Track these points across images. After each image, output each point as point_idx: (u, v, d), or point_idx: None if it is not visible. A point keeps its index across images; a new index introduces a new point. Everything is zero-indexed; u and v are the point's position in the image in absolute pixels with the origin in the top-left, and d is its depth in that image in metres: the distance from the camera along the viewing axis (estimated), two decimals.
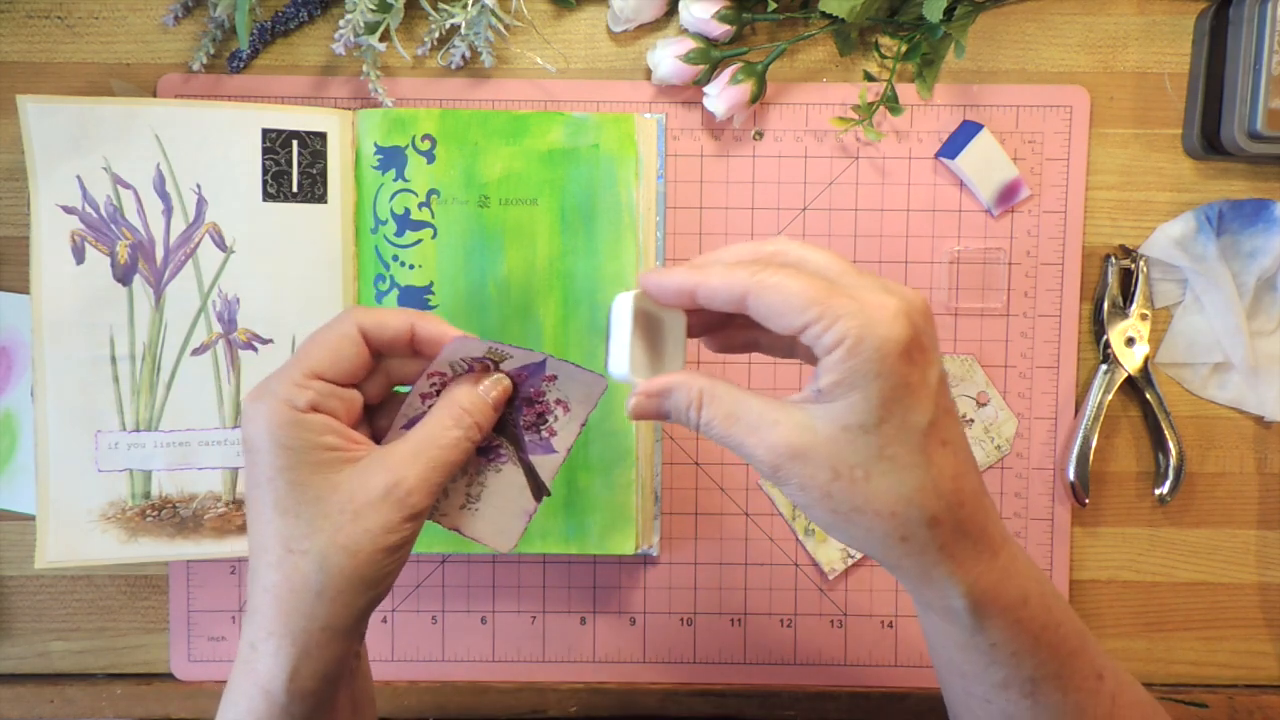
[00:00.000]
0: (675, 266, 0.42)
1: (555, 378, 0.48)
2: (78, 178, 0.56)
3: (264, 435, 0.42)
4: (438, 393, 0.47)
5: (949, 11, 0.58)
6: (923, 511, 0.38)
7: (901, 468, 0.38)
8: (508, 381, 0.46)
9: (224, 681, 0.62)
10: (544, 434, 0.49)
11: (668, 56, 0.59)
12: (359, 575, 0.42)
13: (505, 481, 0.49)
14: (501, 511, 0.49)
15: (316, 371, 0.43)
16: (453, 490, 0.48)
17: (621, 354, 0.43)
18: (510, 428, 0.49)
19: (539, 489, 0.49)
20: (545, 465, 0.49)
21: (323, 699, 0.43)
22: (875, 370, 0.37)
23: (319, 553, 0.42)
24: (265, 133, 0.58)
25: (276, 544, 0.42)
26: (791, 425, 0.39)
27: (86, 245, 0.57)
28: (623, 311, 0.43)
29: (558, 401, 0.49)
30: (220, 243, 0.58)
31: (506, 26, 0.59)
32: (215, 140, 0.57)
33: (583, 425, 0.49)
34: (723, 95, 0.58)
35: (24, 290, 0.61)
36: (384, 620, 0.63)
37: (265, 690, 0.42)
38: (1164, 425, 0.61)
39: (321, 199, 0.59)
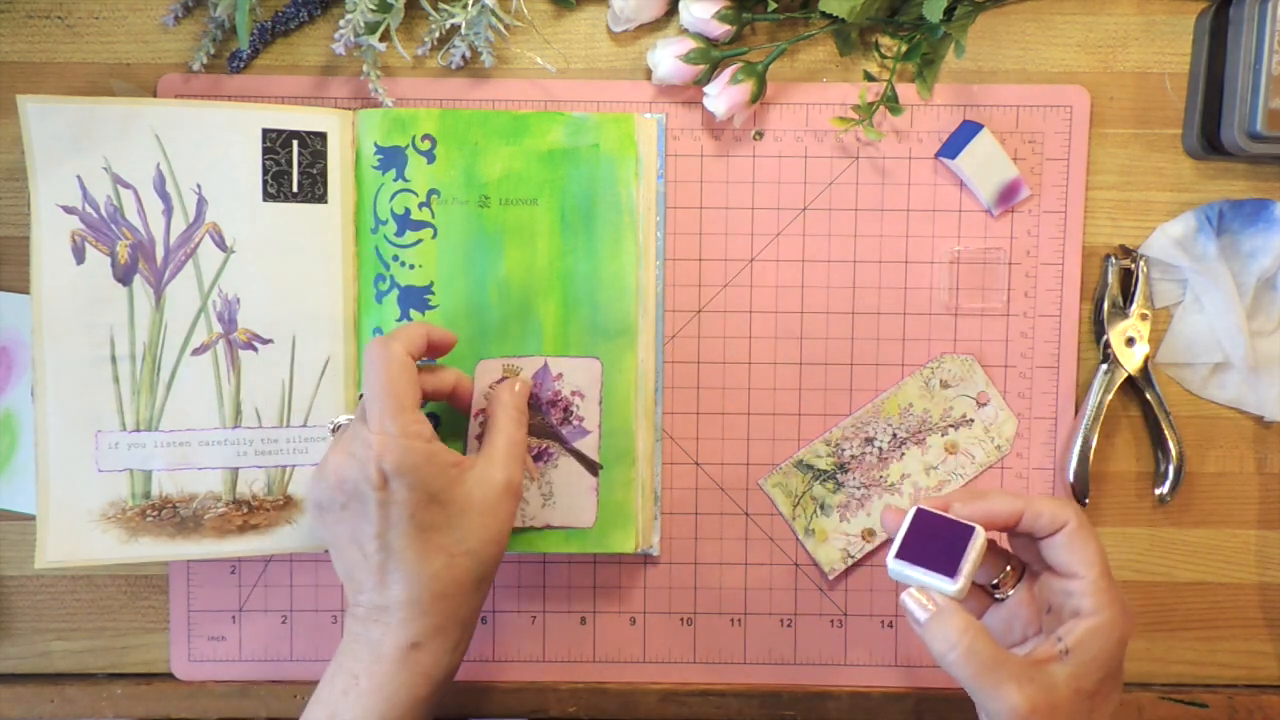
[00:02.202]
0: (998, 492, 0.51)
1: (561, 375, 0.58)
2: (78, 178, 0.56)
3: (410, 474, 0.49)
4: (485, 427, 0.57)
5: (949, 11, 0.58)
6: None
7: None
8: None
9: (224, 681, 0.62)
10: (575, 422, 0.59)
11: (668, 56, 0.59)
12: (498, 560, 0.52)
13: (565, 471, 0.59)
14: (573, 495, 0.59)
15: (413, 403, 0.51)
16: (530, 496, 0.59)
17: (963, 579, 0.49)
18: (549, 429, 0.59)
19: (592, 466, 0.59)
20: (588, 445, 0.59)
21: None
22: (1111, 653, 0.48)
23: (476, 551, 0.51)
24: (265, 133, 0.58)
25: (439, 555, 0.50)
26: (1039, 685, 0.46)
27: (86, 245, 0.57)
28: (973, 538, 0.50)
29: (573, 392, 0.59)
30: (220, 243, 0.58)
31: (506, 26, 0.59)
32: (215, 140, 0.57)
33: (600, 403, 0.59)
34: (723, 95, 0.58)
35: (24, 290, 0.61)
36: None
37: (429, 677, 0.50)
38: (1164, 425, 0.61)
39: (322, 199, 0.59)
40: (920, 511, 0.50)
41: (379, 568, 0.50)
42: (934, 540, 0.49)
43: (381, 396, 0.50)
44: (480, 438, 0.58)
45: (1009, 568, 0.53)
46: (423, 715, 0.51)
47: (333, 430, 0.57)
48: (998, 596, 0.53)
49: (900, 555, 0.49)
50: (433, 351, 0.55)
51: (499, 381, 0.57)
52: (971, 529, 0.49)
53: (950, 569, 0.48)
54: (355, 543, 0.51)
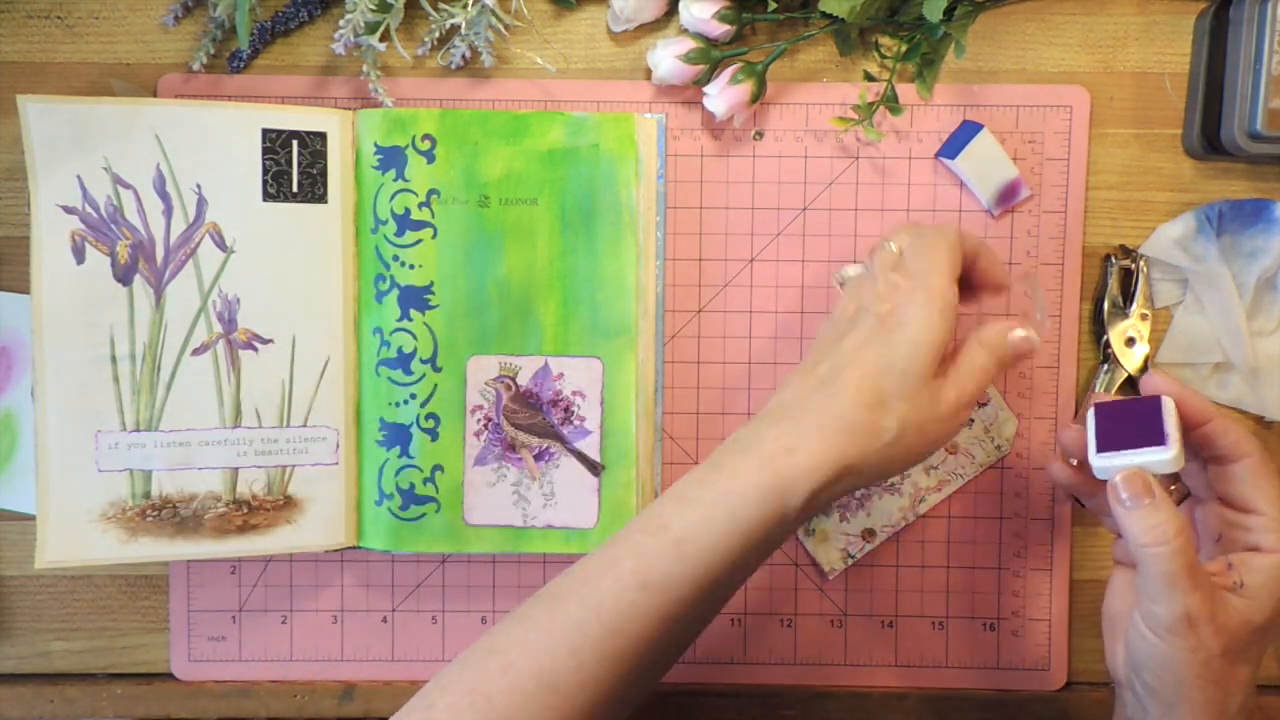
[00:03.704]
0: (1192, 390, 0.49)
1: (562, 375, 0.59)
2: (78, 178, 0.56)
3: (920, 315, 0.48)
4: (485, 426, 0.58)
5: (949, 11, 0.58)
6: (1245, 698, 0.48)
7: (1255, 662, 0.48)
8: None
9: (224, 681, 0.62)
10: (576, 422, 0.59)
11: (668, 56, 0.59)
12: (914, 453, 0.49)
13: (567, 472, 0.59)
14: (575, 496, 0.59)
15: (954, 276, 0.50)
16: (530, 496, 0.59)
17: (1175, 444, 0.47)
18: (550, 429, 0.59)
19: (593, 466, 0.59)
20: (589, 445, 0.59)
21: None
22: None
23: (902, 417, 0.48)
24: (265, 133, 0.58)
25: (872, 389, 0.47)
26: (1220, 603, 0.46)
27: (86, 245, 0.57)
28: (1164, 406, 0.48)
29: (574, 392, 0.59)
30: (220, 243, 0.58)
31: (506, 26, 0.59)
32: (215, 140, 0.57)
33: (602, 403, 0.59)
34: (723, 95, 0.58)
35: (24, 290, 0.61)
36: (384, 620, 0.63)
37: (784, 500, 0.47)
38: None
39: (321, 199, 0.59)
40: (1100, 405, 0.49)
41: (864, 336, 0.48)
42: (1126, 423, 0.48)
43: (947, 269, 0.49)
44: (479, 434, 0.58)
45: (1174, 485, 0.51)
46: (766, 548, 0.47)
47: (840, 283, 0.54)
48: None
49: (1101, 449, 0.48)
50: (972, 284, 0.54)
51: (498, 394, 0.58)
52: (1158, 399, 0.47)
53: (1158, 438, 0.47)
54: (819, 348, 0.50)
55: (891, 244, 0.51)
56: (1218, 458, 0.49)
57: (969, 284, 0.53)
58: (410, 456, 0.59)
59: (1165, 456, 0.46)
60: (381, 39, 0.58)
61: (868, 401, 0.47)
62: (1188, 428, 0.49)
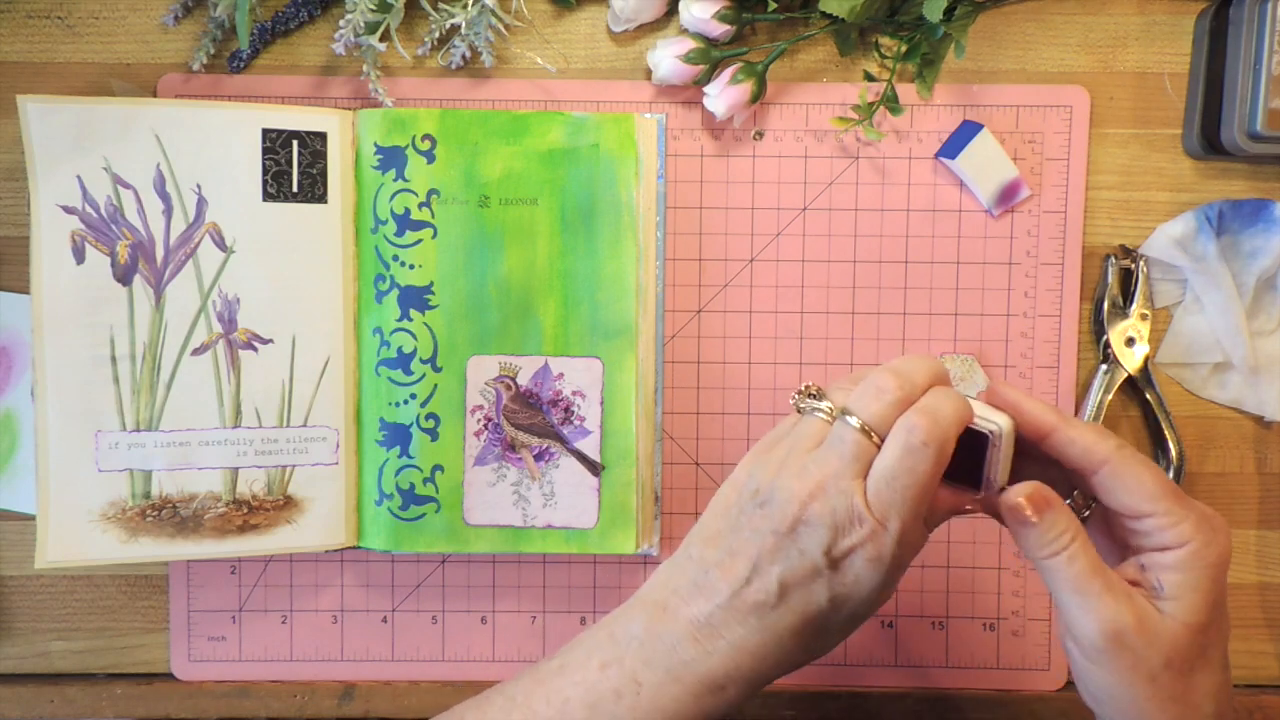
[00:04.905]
0: (1038, 400, 0.45)
1: (562, 375, 0.59)
2: (78, 178, 0.56)
3: (869, 578, 0.42)
4: (485, 426, 0.59)
5: (949, 11, 0.58)
6: (1219, 708, 0.43)
7: (1216, 667, 0.43)
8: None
9: (224, 681, 0.62)
10: (576, 422, 0.59)
11: (668, 56, 0.59)
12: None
13: (567, 472, 0.59)
14: (575, 496, 0.59)
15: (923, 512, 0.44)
16: (531, 496, 0.59)
17: (994, 486, 0.45)
18: (551, 429, 0.59)
19: (593, 466, 0.59)
20: (589, 445, 0.59)
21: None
22: (1212, 578, 0.43)
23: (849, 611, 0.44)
24: (265, 133, 0.58)
25: (815, 631, 0.43)
26: (1142, 608, 0.42)
27: (86, 245, 0.57)
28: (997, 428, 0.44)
29: (574, 392, 0.59)
30: (220, 243, 0.58)
31: (506, 26, 0.59)
32: (215, 140, 0.57)
33: (602, 403, 0.59)
34: (723, 95, 0.58)
35: (24, 290, 0.61)
36: (384, 620, 0.63)
37: (711, 685, 0.43)
38: (1164, 425, 0.61)
39: (321, 199, 0.59)
40: (964, 431, 0.44)
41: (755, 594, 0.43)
42: (962, 453, 0.44)
43: (912, 498, 0.42)
44: (479, 434, 0.58)
45: (1075, 491, 0.47)
46: None
47: (796, 403, 0.46)
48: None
49: (945, 476, 0.44)
50: None
51: (498, 394, 0.57)
52: (986, 436, 0.44)
53: (975, 480, 0.44)
54: (750, 555, 0.43)
55: (889, 384, 0.43)
56: (1077, 471, 0.45)
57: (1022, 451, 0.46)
58: (410, 456, 0.59)
59: (979, 496, 0.44)
60: (381, 39, 0.58)
61: (803, 646, 0.43)
62: (1034, 444, 0.45)
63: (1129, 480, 0.43)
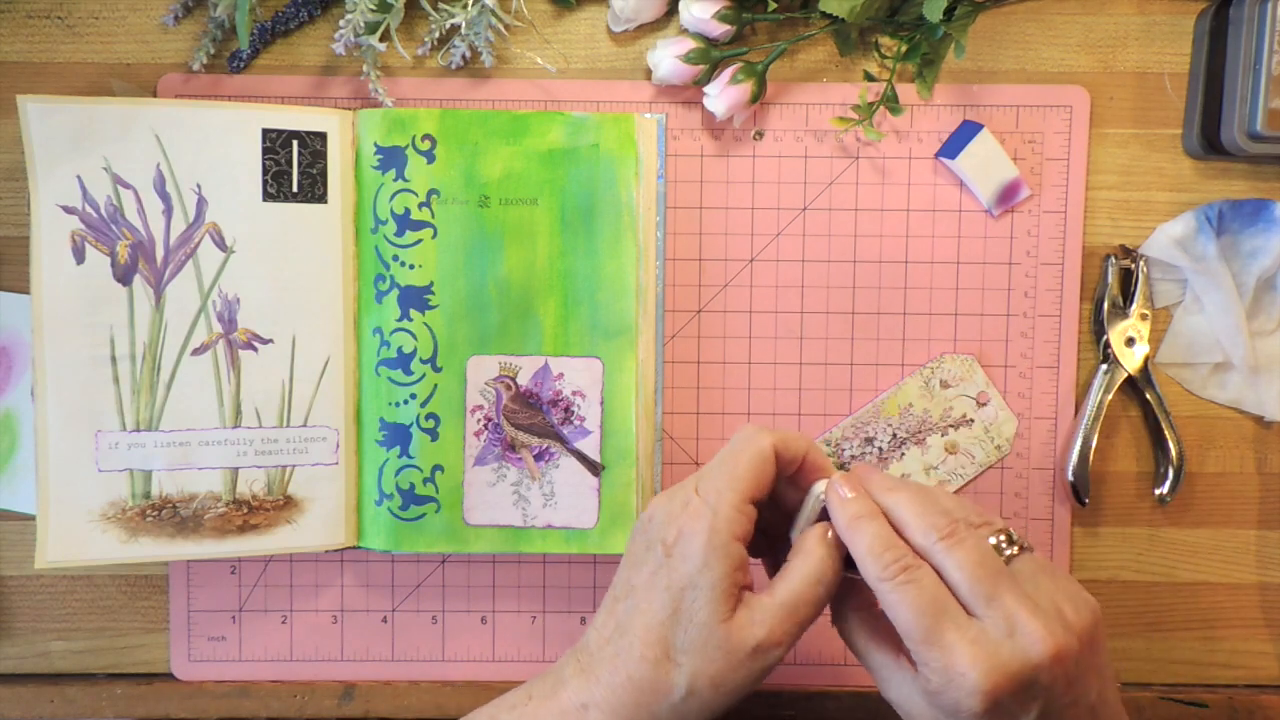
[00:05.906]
0: (878, 479, 0.46)
1: (562, 375, 0.59)
2: (78, 178, 0.56)
3: (699, 551, 0.44)
4: (485, 426, 0.59)
5: (949, 11, 0.58)
6: None
7: (1030, 704, 0.42)
8: (831, 527, 0.47)
9: (224, 681, 0.62)
10: (576, 422, 0.59)
11: (668, 56, 0.59)
12: (712, 706, 0.45)
13: (567, 472, 0.59)
14: (575, 496, 0.59)
15: (752, 497, 0.46)
16: (531, 496, 0.59)
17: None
18: (551, 429, 0.59)
19: (594, 466, 0.59)
20: (590, 445, 0.59)
21: None
22: (990, 689, 0.41)
23: (691, 672, 0.44)
24: (265, 133, 0.58)
25: (657, 643, 0.44)
26: (908, 688, 0.44)
27: (86, 245, 0.57)
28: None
29: (574, 392, 0.59)
30: (220, 243, 0.58)
31: (506, 26, 0.59)
32: (215, 140, 0.57)
33: (602, 403, 0.59)
34: (723, 95, 0.58)
35: (24, 290, 0.61)
36: (384, 620, 0.63)
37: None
38: (1164, 425, 0.61)
39: (321, 199, 0.59)
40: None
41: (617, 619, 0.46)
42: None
43: (730, 476, 0.46)
44: (479, 434, 0.58)
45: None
46: None
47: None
48: None
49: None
50: (802, 476, 0.48)
51: (498, 394, 0.58)
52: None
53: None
54: (626, 582, 0.47)
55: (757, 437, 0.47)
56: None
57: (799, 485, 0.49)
58: (410, 456, 0.59)
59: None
60: (381, 39, 0.58)
61: (654, 657, 0.44)
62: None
63: (893, 608, 0.43)
